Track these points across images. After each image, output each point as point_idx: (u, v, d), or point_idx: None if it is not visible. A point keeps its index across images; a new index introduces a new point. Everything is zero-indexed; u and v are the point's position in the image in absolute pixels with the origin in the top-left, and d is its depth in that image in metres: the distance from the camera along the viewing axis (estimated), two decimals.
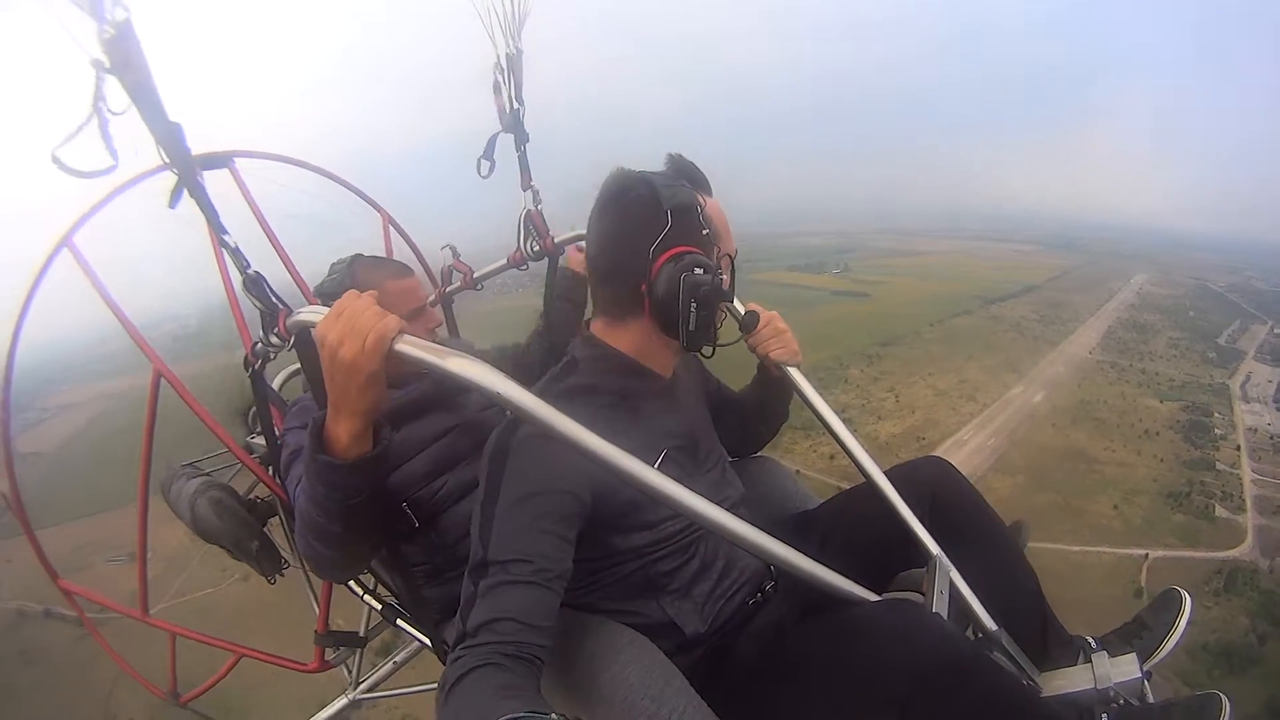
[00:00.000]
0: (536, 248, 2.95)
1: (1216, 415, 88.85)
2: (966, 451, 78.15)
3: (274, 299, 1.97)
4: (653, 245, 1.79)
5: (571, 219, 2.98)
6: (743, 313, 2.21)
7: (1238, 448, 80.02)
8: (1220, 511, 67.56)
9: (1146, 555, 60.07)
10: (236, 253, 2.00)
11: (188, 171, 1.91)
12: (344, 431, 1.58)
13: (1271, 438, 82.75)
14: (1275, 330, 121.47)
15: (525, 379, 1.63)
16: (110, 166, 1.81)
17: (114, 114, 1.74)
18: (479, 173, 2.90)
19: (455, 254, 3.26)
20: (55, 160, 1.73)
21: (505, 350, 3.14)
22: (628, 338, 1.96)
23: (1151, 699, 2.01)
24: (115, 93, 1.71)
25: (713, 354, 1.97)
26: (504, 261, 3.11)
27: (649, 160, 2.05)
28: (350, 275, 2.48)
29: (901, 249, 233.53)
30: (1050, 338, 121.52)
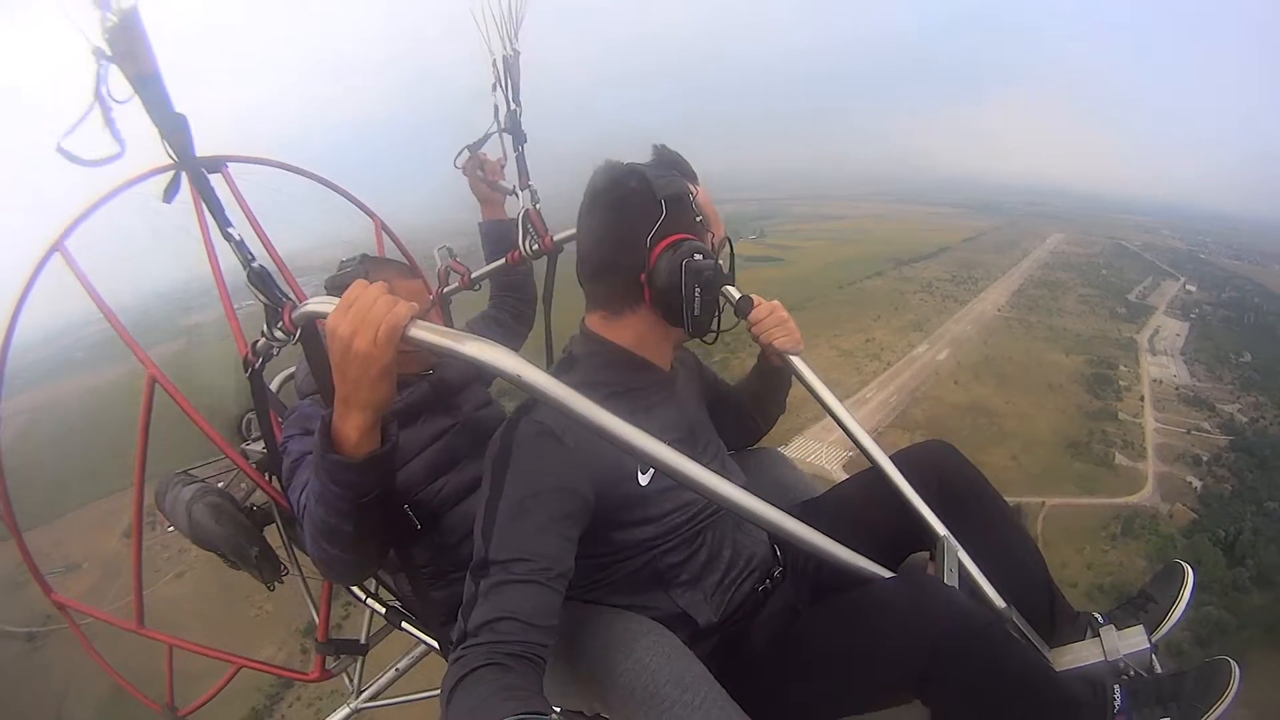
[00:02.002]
0: (535, 247, 2.92)
1: (1122, 368, 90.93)
2: (868, 409, 79.15)
3: (279, 292, 1.90)
4: (649, 235, 1.82)
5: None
6: (737, 298, 2.18)
7: (1141, 398, 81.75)
8: (1120, 459, 69.10)
9: (1043, 503, 60.80)
10: (241, 245, 1.96)
11: (191, 165, 1.95)
12: (353, 428, 1.55)
13: (1177, 388, 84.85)
14: (1187, 286, 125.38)
15: None
16: (117, 153, 1.79)
17: (117, 103, 1.72)
18: (455, 164, 3.14)
19: (452, 254, 3.16)
20: (61, 151, 1.73)
21: None
22: (626, 330, 1.98)
23: (1160, 669, 2.01)
24: (117, 82, 1.72)
25: (716, 339, 1.98)
26: (502, 262, 3.07)
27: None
28: (362, 270, 2.39)
29: (820, 214, 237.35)
30: (960, 297, 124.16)
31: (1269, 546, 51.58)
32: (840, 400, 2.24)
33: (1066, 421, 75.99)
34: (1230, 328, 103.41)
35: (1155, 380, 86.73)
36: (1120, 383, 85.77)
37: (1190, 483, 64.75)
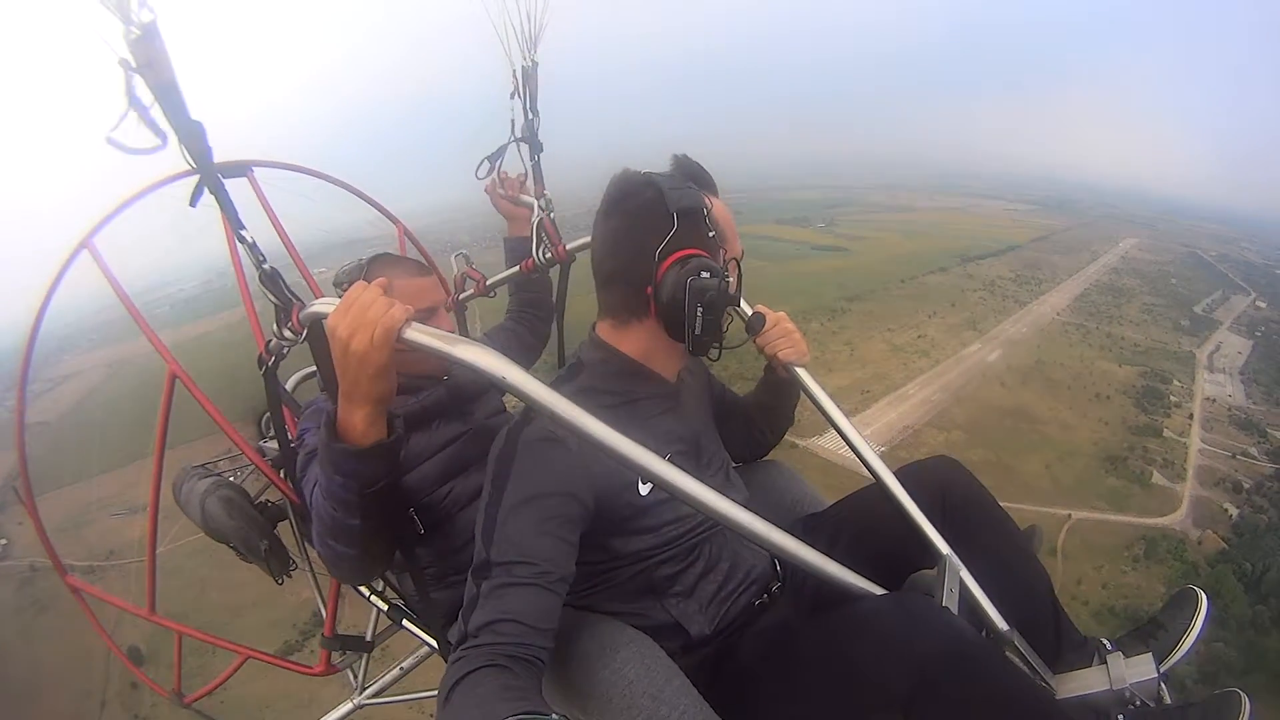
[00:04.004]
0: (548, 255, 2.94)
1: (1176, 383, 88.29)
2: (909, 405, 78.56)
3: (288, 293, 1.94)
4: (659, 248, 1.81)
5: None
6: (749, 314, 2.21)
7: (1190, 416, 79.43)
8: (1158, 478, 67.20)
9: (1069, 515, 60.04)
10: (253, 248, 2.00)
11: (208, 171, 1.94)
12: (358, 420, 1.60)
13: (1229, 409, 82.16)
14: (1258, 302, 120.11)
15: None
16: (160, 144, 1.81)
17: (144, 108, 1.75)
18: (476, 175, 3.13)
19: (468, 261, 3.21)
20: (110, 141, 1.74)
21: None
22: (633, 340, 1.99)
23: (1169, 699, 1.98)
24: (140, 92, 1.74)
25: (719, 357, 1.98)
26: (517, 269, 3.13)
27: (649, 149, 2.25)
28: (362, 269, 2.48)
29: (894, 204, 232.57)
30: (1021, 298, 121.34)
31: None
32: (845, 414, 2.28)
33: (1108, 434, 74.41)
34: None
35: (1208, 399, 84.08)
36: (1171, 398, 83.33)
37: (1226, 510, 62.69)
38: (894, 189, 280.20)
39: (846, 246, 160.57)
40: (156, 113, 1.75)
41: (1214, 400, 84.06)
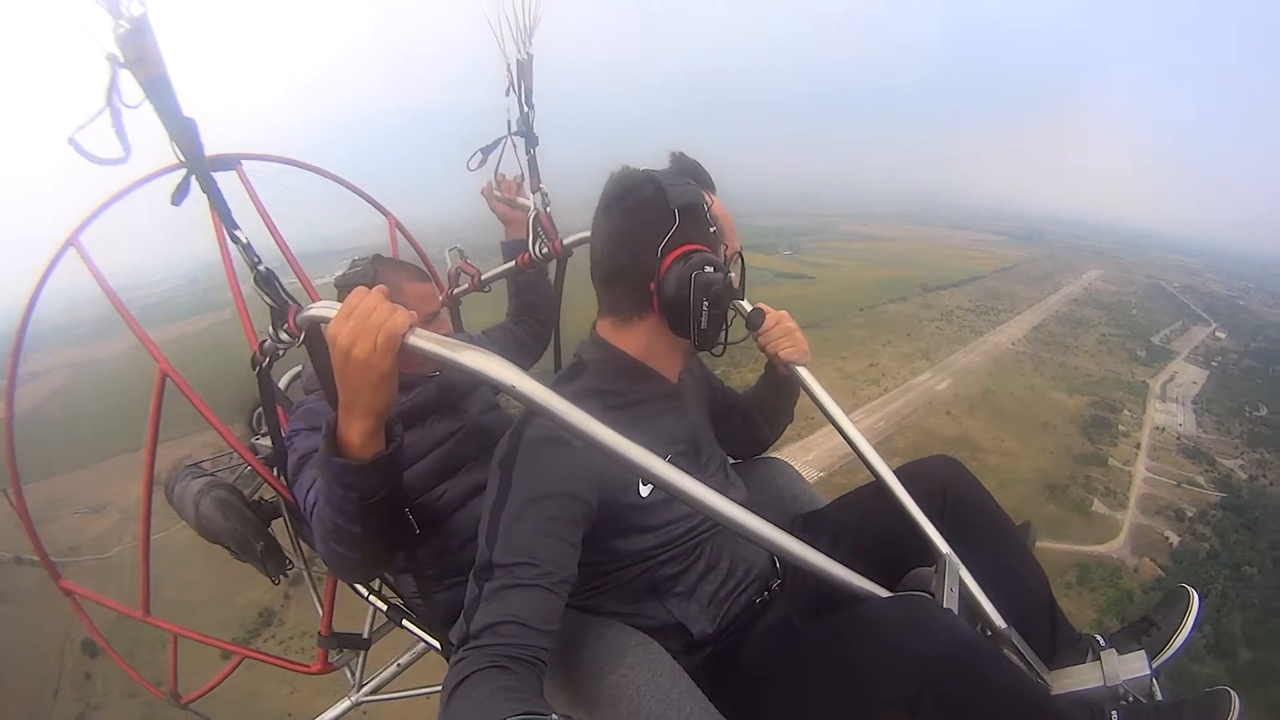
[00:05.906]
0: (545, 250, 2.97)
1: (1126, 412, 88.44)
2: None
3: (284, 295, 1.93)
4: (661, 244, 1.81)
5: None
6: (749, 310, 2.21)
7: (1138, 446, 79.36)
8: (1099, 507, 67.08)
9: None
10: (248, 248, 1.95)
11: (200, 167, 1.90)
12: (357, 433, 1.58)
13: (1178, 438, 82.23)
14: (1217, 333, 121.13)
15: None
16: (122, 158, 1.79)
17: (128, 107, 1.72)
18: (468, 167, 3.07)
19: (463, 256, 3.26)
20: (72, 143, 1.74)
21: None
22: (634, 339, 1.98)
23: (1160, 697, 2.04)
24: (129, 86, 1.71)
25: (723, 352, 2.00)
26: (512, 265, 3.14)
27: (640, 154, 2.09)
28: (372, 271, 2.48)
29: (863, 233, 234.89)
30: (978, 328, 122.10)
31: (1233, 614, 49.73)
32: (845, 412, 2.24)
33: (1052, 463, 74.27)
34: (1251, 379, 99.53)
35: (1157, 428, 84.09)
36: (1120, 427, 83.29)
37: (1167, 537, 62.67)
38: (865, 218, 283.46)
39: (810, 274, 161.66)
40: (131, 116, 1.68)
41: (1163, 429, 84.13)
